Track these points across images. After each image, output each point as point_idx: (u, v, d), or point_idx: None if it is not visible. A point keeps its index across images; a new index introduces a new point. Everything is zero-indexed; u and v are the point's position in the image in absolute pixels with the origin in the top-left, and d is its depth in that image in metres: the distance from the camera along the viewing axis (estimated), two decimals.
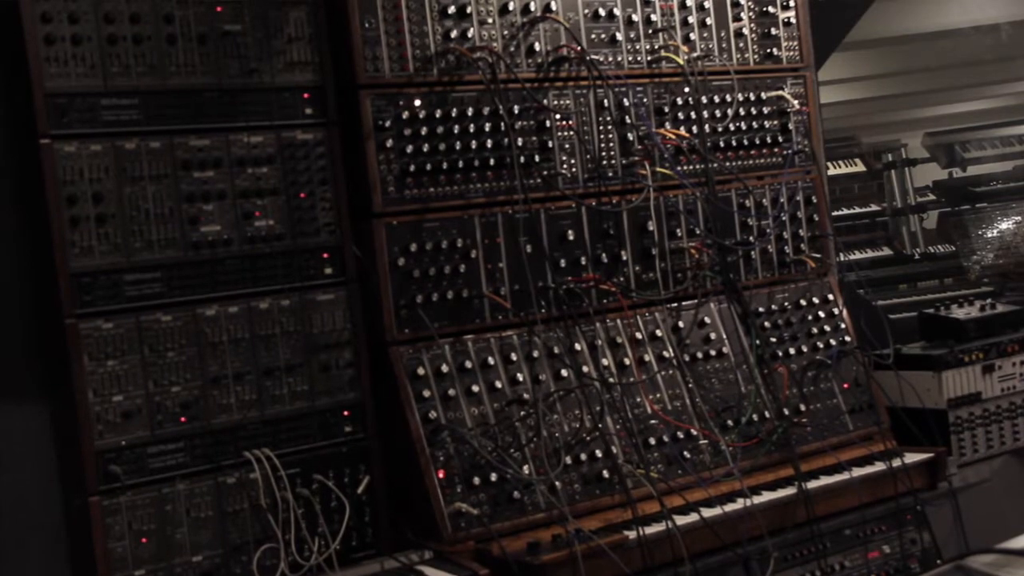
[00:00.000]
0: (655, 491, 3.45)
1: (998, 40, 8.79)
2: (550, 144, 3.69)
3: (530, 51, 3.67)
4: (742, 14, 4.14)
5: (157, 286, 3.10)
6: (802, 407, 3.95)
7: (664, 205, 3.90)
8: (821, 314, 4.16)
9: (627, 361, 3.72)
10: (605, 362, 3.68)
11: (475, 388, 3.46)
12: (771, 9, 4.21)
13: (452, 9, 3.54)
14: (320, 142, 3.35)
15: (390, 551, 3.29)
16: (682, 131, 3.93)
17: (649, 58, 3.92)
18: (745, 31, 4.13)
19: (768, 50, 4.20)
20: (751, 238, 4.08)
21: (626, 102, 3.84)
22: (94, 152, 3.03)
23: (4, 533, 3.11)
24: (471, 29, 3.56)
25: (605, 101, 3.80)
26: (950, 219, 9.02)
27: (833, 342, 4.14)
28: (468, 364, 3.48)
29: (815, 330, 4.13)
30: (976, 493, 4.26)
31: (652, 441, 3.65)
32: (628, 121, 3.84)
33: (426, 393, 3.39)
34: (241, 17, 3.24)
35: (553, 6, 3.71)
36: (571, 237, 3.70)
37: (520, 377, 3.53)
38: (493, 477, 3.35)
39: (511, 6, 3.63)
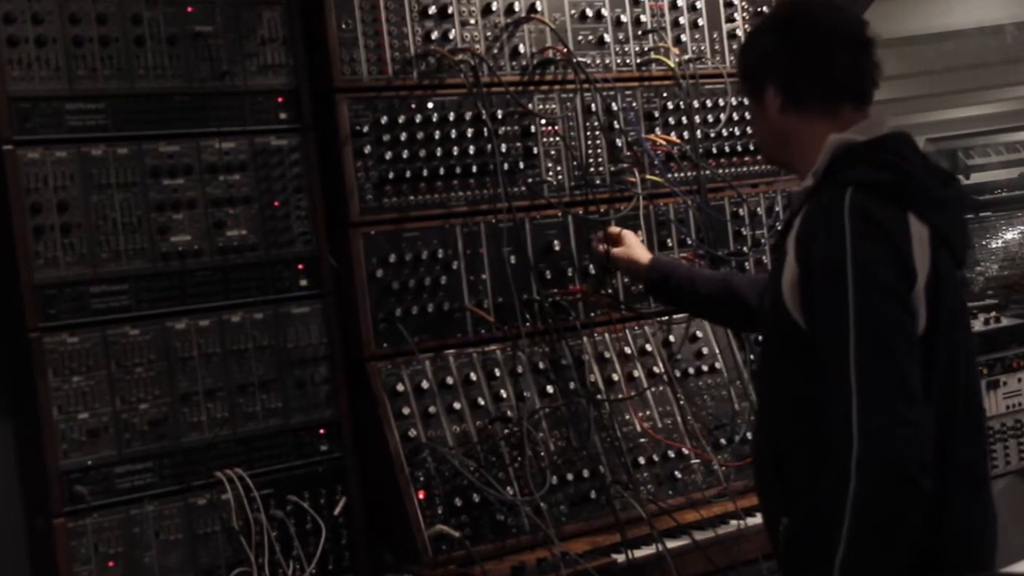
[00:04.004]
0: (644, 512, 3.47)
1: (1003, 42, 8.83)
2: (535, 150, 3.72)
3: (514, 53, 3.70)
4: (735, 14, 4.18)
5: (125, 298, 3.12)
6: None
7: (654, 214, 3.92)
8: None
9: (615, 377, 3.75)
10: (592, 378, 3.70)
11: (457, 405, 3.48)
12: (766, 10, 4.22)
13: (433, 10, 3.57)
14: (295, 148, 3.37)
15: (368, 575, 3.31)
16: (673, 136, 3.96)
17: (639, 60, 3.95)
18: (739, 32, 4.16)
19: None
20: (745, 248, 4.10)
21: (614, 106, 3.87)
22: (59, 159, 3.04)
23: None
24: (453, 30, 3.59)
25: (593, 105, 3.83)
26: None
27: None
28: (449, 380, 3.50)
29: None
30: None
31: (642, 460, 3.67)
32: (616, 126, 3.87)
33: (405, 410, 3.40)
34: (212, 18, 3.26)
35: (538, 6, 3.73)
36: (557, 247, 3.72)
37: (504, 394, 3.56)
38: (476, 498, 3.37)
39: (494, 6, 3.66)
